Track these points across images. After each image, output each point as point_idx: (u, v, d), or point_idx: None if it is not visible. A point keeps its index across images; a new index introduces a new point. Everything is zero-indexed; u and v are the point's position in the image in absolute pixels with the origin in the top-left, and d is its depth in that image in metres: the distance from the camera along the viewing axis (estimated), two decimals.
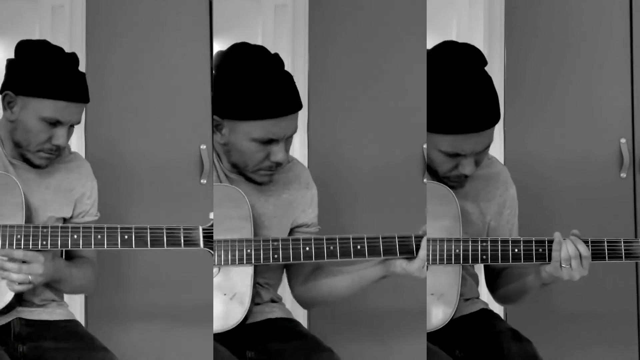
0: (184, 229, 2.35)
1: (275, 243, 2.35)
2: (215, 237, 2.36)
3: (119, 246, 2.35)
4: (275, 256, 2.35)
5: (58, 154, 2.46)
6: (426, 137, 2.39)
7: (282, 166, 2.46)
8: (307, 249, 2.34)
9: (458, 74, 2.32)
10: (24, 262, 2.32)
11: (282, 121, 2.35)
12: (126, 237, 2.34)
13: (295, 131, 2.41)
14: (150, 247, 2.35)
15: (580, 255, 2.31)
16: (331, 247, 2.34)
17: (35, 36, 3.15)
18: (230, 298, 2.36)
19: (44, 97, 2.37)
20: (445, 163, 2.38)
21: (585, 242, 2.33)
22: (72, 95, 2.39)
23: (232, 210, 2.38)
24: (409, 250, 2.34)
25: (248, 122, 2.35)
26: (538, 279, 2.38)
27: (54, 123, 2.39)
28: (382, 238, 2.34)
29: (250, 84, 2.33)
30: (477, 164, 2.40)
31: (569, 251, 2.31)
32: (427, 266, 2.35)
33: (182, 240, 2.35)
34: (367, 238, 2.34)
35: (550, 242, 2.34)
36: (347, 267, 2.43)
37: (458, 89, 2.31)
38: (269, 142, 2.36)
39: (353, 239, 2.34)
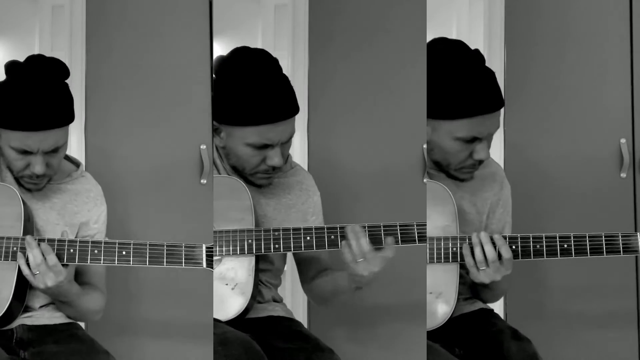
0: (186, 247, 2.31)
1: (276, 233, 2.36)
2: (216, 227, 2.36)
3: (116, 262, 2.32)
4: (276, 246, 2.36)
5: (43, 179, 2.41)
6: (425, 137, 2.39)
7: (281, 170, 2.46)
8: (308, 238, 2.35)
9: (463, 60, 2.33)
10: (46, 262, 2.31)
11: (277, 126, 2.36)
12: (124, 252, 2.31)
13: (292, 135, 2.42)
14: (149, 264, 2.31)
15: (498, 256, 2.31)
16: (332, 237, 2.34)
17: (35, 36, 3.16)
18: (232, 288, 2.36)
19: (7, 128, 2.33)
20: (461, 152, 2.38)
21: (583, 237, 2.34)
22: (32, 125, 2.31)
23: (233, 201, 2.38)
24: (410, 239, 2.34)
25: (243, 128, 2.36)
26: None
27: (25, 151, 2.34)
28: (384, 226, 2.34)
29: (244, 90, 2.34)
30: (489, 148, 2.42)
31: (488, 255, 2.31)
32: (427, 264, 2.36)
33: (184, 259, 2.31)
34: (369, 227, 2.34)
35: (548, 238, 2.34)
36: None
37: (469, 73, 2.32)
38: (264, 147, 2.37)
39: None
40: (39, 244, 2.31)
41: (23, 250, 2.33)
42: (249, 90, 2.34)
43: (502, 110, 2.39)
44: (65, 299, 2.41)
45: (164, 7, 3.13)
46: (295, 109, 2.40)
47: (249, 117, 2.35)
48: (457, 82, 2.32)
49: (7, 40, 3.17)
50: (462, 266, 2.44)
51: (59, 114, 2.35)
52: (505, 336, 2.40)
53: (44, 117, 2.32)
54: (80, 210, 2.50)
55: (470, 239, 2.35)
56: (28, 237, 2.32)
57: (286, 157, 2.47)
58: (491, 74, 2.37)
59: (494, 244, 2.32)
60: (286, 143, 2.42)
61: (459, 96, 2.32)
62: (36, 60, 2.38)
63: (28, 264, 2.32)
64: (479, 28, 3.22)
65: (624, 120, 3.17)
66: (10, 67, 2.37)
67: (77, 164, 2.53)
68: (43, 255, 2.31)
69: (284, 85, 2.39)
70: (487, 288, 2.45)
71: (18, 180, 2.43)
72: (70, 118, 2.39)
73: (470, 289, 2.52)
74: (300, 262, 2.56)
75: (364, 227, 2.33)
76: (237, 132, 2.38)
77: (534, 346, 2.38)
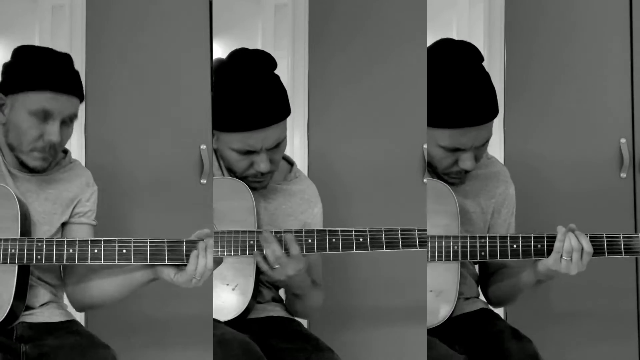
0: (187, 243, 2.30)
1: (278, 235, 2.36)
2: (218, 228, 2.36)
3: (117, 260, 2.30)
4: None
5: (53, 154, 2.41)
6: (426, 136, 2.39)
7: (271, 175, 2.45)
8: (310, 241, 2.35)
9: (456, 69, 2.33)
10: None
11: (258, 133, 2.36)
12: (124, 251, 2.29)
13: (279, 141, 2.41)
14: (150, 261, 2.30)
15: (582, 249, 2.31)
16: (334, 240, 2.35)
17: (35, 36, 3.16)
18: (232, 288, 2.37)
19: (29, 89, 2.33)
20: (445, 158, 2.39)
21: None
22: (59, 86, 2.34)
23: (235, 202, 2.39)
24: (411, 244, 2.34)
25: (227, 134, 2.37)
26: (533, 274, 2.38)
27: (44, 117, 2.34)
28: (385, 231, 2.35)
29: (226, 97, 2.35)
30: (477, 159, 2.41)
31: (572, 244, 2.31)
32: (427, 263, 2.36)
33: (185, 255, 2.30)
34: (370, 231, 2.35)
35: (549, 238, 2.34)
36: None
37: (456, 83, 2.32)
38: (248, 153, 2.38)
39: (355, 231, 2.35)
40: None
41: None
42: (227, 97, 2.35)
43: (493, 121, 2.38)
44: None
45: (164, 7, 3.13)
46: (280, 115, 2.39)
47: (229, 124, 2.36)
48: (442, 91, 2.32)
49: (7, 40, 3.17)
50: (466, 266, 2.45)
51: (78, 84, 2.39)
52: (505, 336, 2.40)
53: (72, 83, 2.38)
54: (75, 196, 2.49)
55: (472, 237, 2.35)
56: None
57: (277, 163, 2.46)
58: (484, 84, 2.35)
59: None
60: (275, 148, 2.41)
61: (441, 106, 2.32)
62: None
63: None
64: (479, 28, 3.22)
65: (624, 120, 3.17)
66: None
67: (64, 151, 2.52)
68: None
69: (267, 91, 2.38)
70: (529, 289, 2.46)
71: (19, 159, 2.41)
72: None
73: (494, 290, 2.53)
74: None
75: (271, 231, 2.35)
76: (223, 137, 2.39)
77: (534, 346, 2.38)
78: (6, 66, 2.40)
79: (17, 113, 2.35)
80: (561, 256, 2.32)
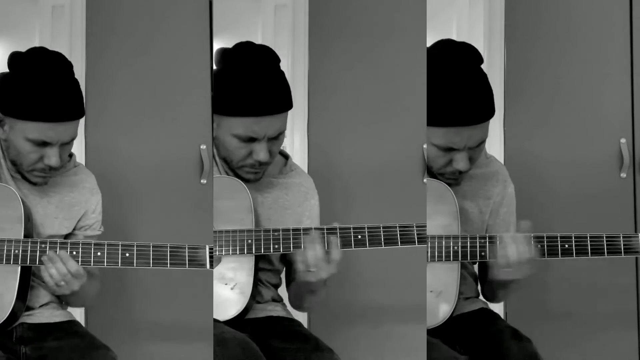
0: (189, 248, 2.31)
1: (276, 233, 2.35)
2: (216, 228, 2.36)
3: (120, 264, 2.31)
4: (276, 246, 2.36)
5: (53, 172, 2.40)
6: (425, 137, 2.39)
7: (268, 165, 2.45)
8: None
9: (453, 69, 2.33)
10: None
11: (263, 120, 2.35)
12: (127, 254, 2.30)
13: (280, 131, 2.40)
14: (153, 266, 2.31)
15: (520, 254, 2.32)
16: (331, 237, 2.34)
17: (36, 36, 3.16)
18: (231, 288, 2.37)
19: (26, 119, 2.30)
20: (439, 158, 2.38)
21: (584, 237, 2.34)
22: (56, 116, 2.30)
23: (233, 201, 2.38)
24: (410, 240, 2.34)
25: (230, 119, 2.36)
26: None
27: (43, 144, 2.32)
28: (383, 227, 2.34)
29: (232, 82, 2.34)
30: (472, 161, 2.40)
31: (509, 254, 2.32)
32: (427, 263, 2.36)
33: (187, 260, 2.30)
34: (368, 227, 2.34)
35: (549, 238, 2.34)
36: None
37: (452, 82, 2.31)
38: (250, 140, 2.37)
39: (354, 228, 2.34)
40: (59, 256, 2.31)
41: (35, 258, 2.32)
42: (236, 82, 2.34)
43: (488, 122, 2.37)
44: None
45: (164, 6, 3.13)
46: (285, 106, 2.38)
47: (235, 108, 2.34)
48: (438, 89, 2.32)
49: (7, 41, 3.17)
50: (465, 266, 2.44)
51: (78, 104, 2.35)
52: (505, 336, 2.40)
53: (70, 107, 2.32)
54: (77, 202, 2.48)
55: (471, 237, 2.35)
56: (50, 253, 2.31)
57: (275, 154, 2.45)
58: (480, 84, 2.34)
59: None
60: (274, 139, 2.40)
61: (437, 104, 2.32)
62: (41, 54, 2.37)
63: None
64: (479, 28, 3.22)
65: (624, 120, 3.18)
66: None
67: (69, 155, 2.51)
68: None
69: (274, 80, 2.37)
70: (504, 288, 2.46)
71: (21, 173, 2.41)
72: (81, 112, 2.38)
73: (485, 288, 2.53)
74: (288, 264, 2.54)
75: (323, 233, 2.33)
76: (225, 123, 2.37)
77: (534, 346, 2.38)
78: (4, 78, 2.35)
79: (16, 137, 2.34)
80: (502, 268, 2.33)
